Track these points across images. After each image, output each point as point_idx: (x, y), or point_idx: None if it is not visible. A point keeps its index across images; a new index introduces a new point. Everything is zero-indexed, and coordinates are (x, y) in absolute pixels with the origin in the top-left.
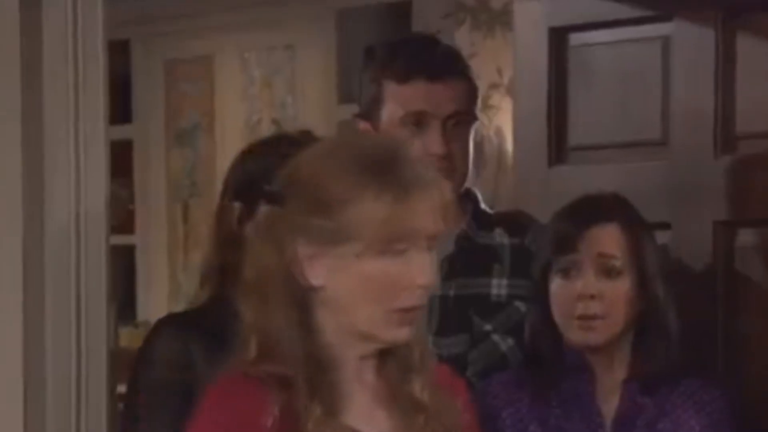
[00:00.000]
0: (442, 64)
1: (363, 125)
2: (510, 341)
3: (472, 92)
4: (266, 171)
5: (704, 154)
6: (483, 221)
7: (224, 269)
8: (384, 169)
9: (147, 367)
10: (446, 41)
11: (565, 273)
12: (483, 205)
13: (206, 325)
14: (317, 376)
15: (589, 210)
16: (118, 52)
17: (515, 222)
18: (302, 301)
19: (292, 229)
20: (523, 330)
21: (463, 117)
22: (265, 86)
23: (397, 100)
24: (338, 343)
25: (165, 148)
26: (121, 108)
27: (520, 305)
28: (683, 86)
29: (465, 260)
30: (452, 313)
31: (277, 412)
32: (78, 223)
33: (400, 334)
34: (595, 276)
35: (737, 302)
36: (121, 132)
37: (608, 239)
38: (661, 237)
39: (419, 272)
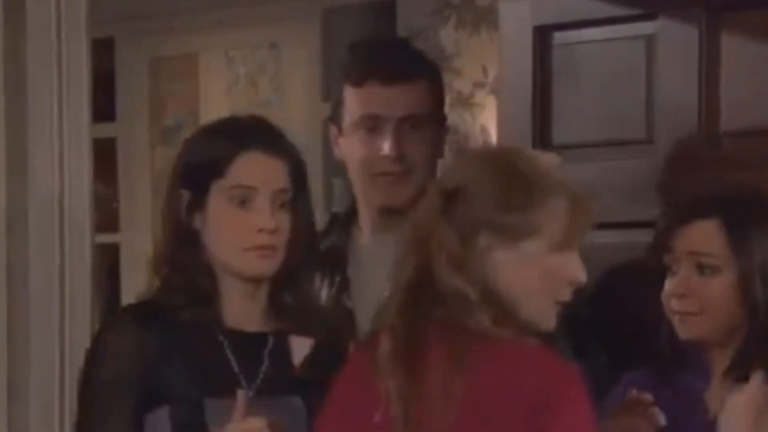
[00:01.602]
0: (397, 67)
1: (332, 128)
2: None
3: (433, 95)
4: (215, 157)
5: (689, 152)
6: None
7: (174, 259)
8: (562, 178)
9: (99, 362)
10: (431, 40)
11: (669, 271)
12: None
13: (159, 317)
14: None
15: (686, 207)
16: (102, 49)
17: None
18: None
19: (475, 223)
20: None
21: (420, 119)
22: (250, 84)
23: (354, 103)
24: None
25: (149, 146)
26: (105, 106)
27: None
28: (668, 84)
29: None
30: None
31: None
32: (62, 221)
33: (552, 323)
34: (689, 274)
35: None
36: (105, 130)
37: (704, 237)
38: (646, 235)
39: (579, 269)
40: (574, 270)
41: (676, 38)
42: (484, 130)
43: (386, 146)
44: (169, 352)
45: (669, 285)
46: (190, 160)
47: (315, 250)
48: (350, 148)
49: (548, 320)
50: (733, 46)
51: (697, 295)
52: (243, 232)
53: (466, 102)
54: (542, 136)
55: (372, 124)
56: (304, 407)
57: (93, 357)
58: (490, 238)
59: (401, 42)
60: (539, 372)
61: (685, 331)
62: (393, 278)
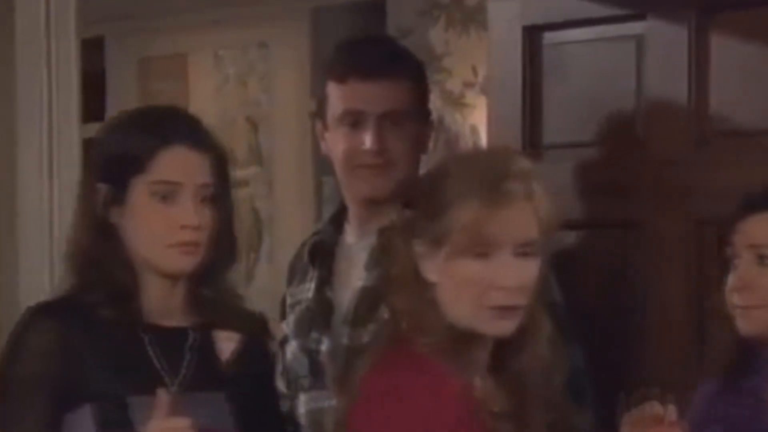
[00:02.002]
0: (379, 63)
1: (317, 123)
2: None
3: (416, 91)
4: (137, 152)
5: (678, 152)
6: None
7: (91, 255)
8: (482, 180)
9: (16, 360)
10: (420, 39)
11: (729, 265)
12: None
13: (77, 313)
14: (459, 347)
15: (743, 201)
16: (92, 49)
17: None
18: (430, 294)
19: (412, 231)
20: None
21: (402, 115)
22: (240, 84)
23: (337, 99)
24: (467, 328)
25: None
26: (94, 106)
27: None
28: (657, 84)
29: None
30: (364, 303)
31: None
32: (51, 221)
33: (499, 328)
34: (749, 267)
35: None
36: (95, 130)
37: (762, 229)
38: (636, 235)
39: (503, 273)
40: (498, 274)
41: (665, 38)
42: (474, 130)
43: (367, 140)
44: (89, 350)
45: (730, 280)
46: (110, 154)
47: (235, 244)
48: (334, 142)
49: (485, 326)
50: (722, 47)
51: (759, 287)
52: (166, 229)
53: (456, 102)
54: (532, 136)
55: (354, 119)
56: (228, 403)
57: (10, 355)
58: (421, 246)
59: (384, 39)
60: None
61: (746, 326)
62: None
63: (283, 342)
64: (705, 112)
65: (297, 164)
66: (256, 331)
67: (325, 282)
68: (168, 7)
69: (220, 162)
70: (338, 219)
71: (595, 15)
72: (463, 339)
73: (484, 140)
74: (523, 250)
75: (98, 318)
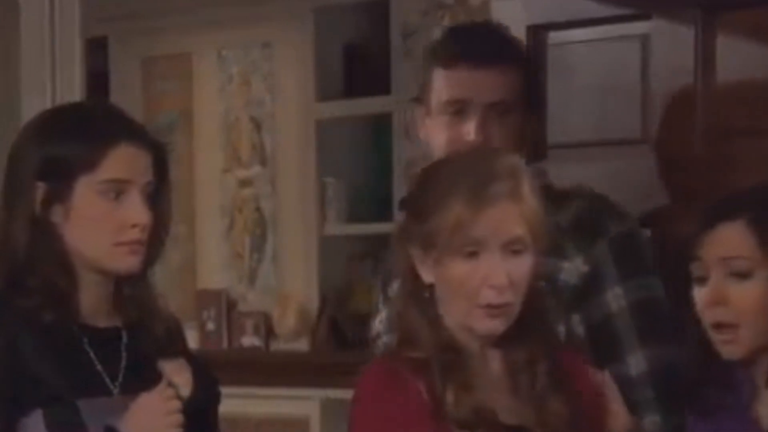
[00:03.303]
0: (489, 51)
1: (418, 109)
2: None
3: (525, 82)
4: (84, 151)
5: (684, 152)
6: None
7: (28, 256)
8: (466, 182)
9: None
10: (424, 39)
11: (700, 280)
12: (547, 182)
13: (15, 316)
14: (448, 359)
15: (709, 211)
16: (96, 49)
17: (562, 198)
18: (429, 295)
19: (407, 234)
20: None
21: (509, 107)
22: (243, 84)
23: (442, 86)
24: (458, 333)
25: None
26: None
27: None
28: (663, 84)
29: None
30: None
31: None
32: None
33: (490, 327)
34: (720, 281)
35: None
36: None
37: (731, 240)
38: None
39: (492, 272)
40: (487, 273)
41: (671, 38)
42: None
43: (471, 131)
44: (34, 354)
45: (700, 295)
46: (51, 154)
47: (165, 242)
48: (436, 130)
49: (477, 325)
50: (728, 46)
51: (732, 302)
52: (116, 227)
53: None
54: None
55: (458, 108)
56: None
57: None
58: (415, 248)
59: (494, 26)
60: None
61: (729, 352)
62: None
63: (376, 338)
64: (712, 111)
65: (300, 164)
66: (169, 332)
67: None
68: (171, 7)
69: (161, 159)
70: None
71: (600, 14)
72: (453, 349)
73: None
74: (511, 248)
75: (36, 321)
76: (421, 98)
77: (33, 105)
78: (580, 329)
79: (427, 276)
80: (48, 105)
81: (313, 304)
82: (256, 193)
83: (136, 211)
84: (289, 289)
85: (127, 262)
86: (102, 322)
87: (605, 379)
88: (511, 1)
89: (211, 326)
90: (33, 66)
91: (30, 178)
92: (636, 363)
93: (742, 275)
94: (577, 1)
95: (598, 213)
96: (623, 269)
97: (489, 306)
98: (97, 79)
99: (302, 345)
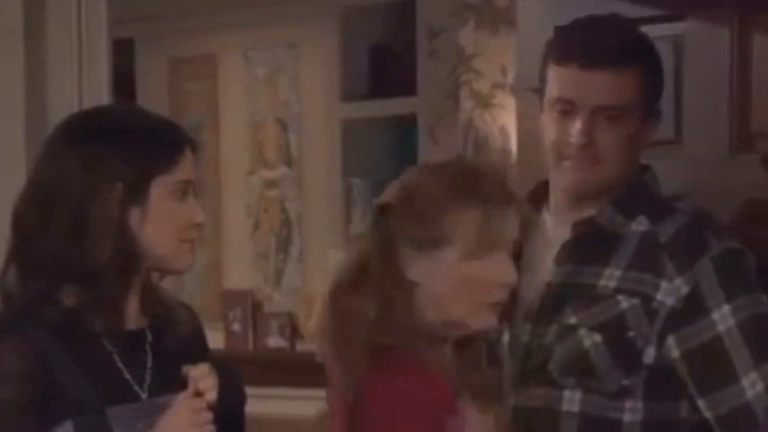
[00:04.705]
0: (603, 52)
1: (539, 100)
2: (597, 337)
3: (643, 85)
4: (164, 154)
5: (718, 153)
6: (630, 207)
7: (102, 257)
8: (476, 186)
9: None
10: (450, 40)
11: None
12: (652, 189)
13: (40, 326)
14: (431, 347)
15: None
16: (122, 50)
17: (668, 209)
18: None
19: (398, 235)
20: (619, 327)
21: (619, 111)
22: (269, 84)
23: (553, 82)
24: (437, 328)
25: None
26: None
27: (623, 300)
28: (697, 85)
29: (582, 247)
30: (550, 301)
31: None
32: None
33: (491, 322)
34: None
35: None
36: None
37: None
38: None
39: (505, 271)
40: (500, 272)
41: (705, 39)
42: (503, 130)
43: (575, 133)
44: (62, 365)
45: None
46: (132, 155)
47: None
48: (545, 126)
49: (478, 321)
50: (763, 46)
51: None
52: (183, 226)
53: (485, 102)
54: None
55: (566, 108)
56: None
57: None
58: (408, 250)
59: (618, 24)
60: None
61: None
62: None
63: None
64: (746, 112)
65: (326, 165)
66: (198, 330)
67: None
68: (198, 8)
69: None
70: (536, 197)
71: (631, 15)
72: (427, 339)
73: (513, 141)
74: (514, 249)
75: (61, 329)
76: (539, 90)
77: (59, 105)
78: (675, 352)
79: (416, 276)
80: (75, 106)
81: None
82: (281, 193)
83: (198, 210)
84: (315, 290)
85: (189, 260)
86: (129, 325)
87: None
88: (537, 1)
89: (236, 327)
90: (60, 66)
91: (110, 178)
92: (751, 383)
93: None
94: (608, 1)
95: (699, 230)
96: (728, 287)
97: (496, 303)
98: (124, 81)
99: None
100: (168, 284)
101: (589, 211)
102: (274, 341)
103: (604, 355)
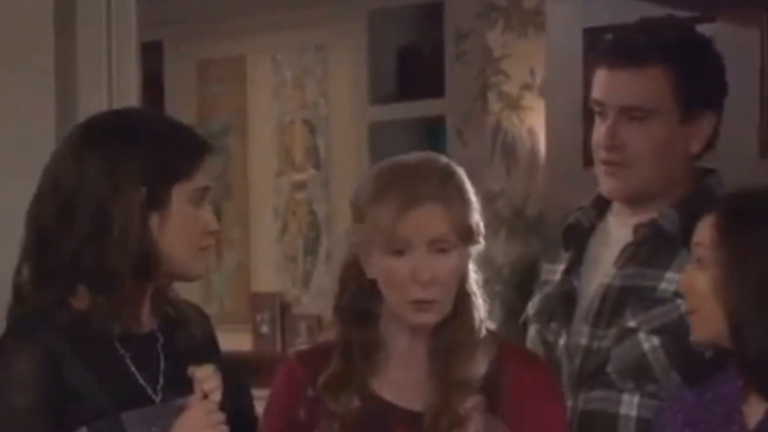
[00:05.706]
0: (629, 51)
1: None
2: (655, 341)
3: (676, 86)
4: (186, 160)
5: (748, 156)
6: (692, 210)
7: (122, 262)
8: (394, 184)
9: (8, 391)
10: (478, 42)
11: None
12: (715, 193)
13: (53, 331)
14: (367, 350)
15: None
16: (151, 53)
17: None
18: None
19: (351, 231)
20: (678, 331)
21: (648, 113)
22: (297, 87)
23: (594, 84)
24: (390, 327)
25: None
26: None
27: (683, 304)
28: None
29: (643, 250)
30: (609, 304)
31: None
32: None
33: (420, 320)
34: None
35: None
36: None
37: (702, 229)
38: None
39: (416, 269)
40: (413, 270)
41: (735, 40)
42: (531, 132)
43: (600, 134)
44: (75, 370)
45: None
46: (156, 159)
47: None
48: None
49: (408, 317)
50: None
51: (695, 289)
52: (200, 233)
53: (514, 104)
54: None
55: (599, 109)
56: None
57: (3, 385)
58: (359, 246)
59: (651, 23)
60: None
61: (695, 333)
62: None
63: (526, 322)
64: None
65: (354, 166)
66: (206, 325)
67: (573, 268)
68: (226, 11)
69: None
70: (601, 202)
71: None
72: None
73: (541, 143)
74: (437, 247)
75: (74, 334)
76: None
77: (89, 106)
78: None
79: (369, 271)
80: (104, 107)
81: None
82: (309, 196)
83: (213, 217)
84: None
85: (206, 266)
86: (139, 329)
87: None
88: (566, 4)
89: (264, 329)
90: (89, 68)
91: (134, 182)
92: None
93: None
94: (635, 3)
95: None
96: None
97: (417, 301)
98: (152, 83)
99: None
100: (196, 287)
101: (651, 213)
102: (303, 343)
103: (662, 358)
